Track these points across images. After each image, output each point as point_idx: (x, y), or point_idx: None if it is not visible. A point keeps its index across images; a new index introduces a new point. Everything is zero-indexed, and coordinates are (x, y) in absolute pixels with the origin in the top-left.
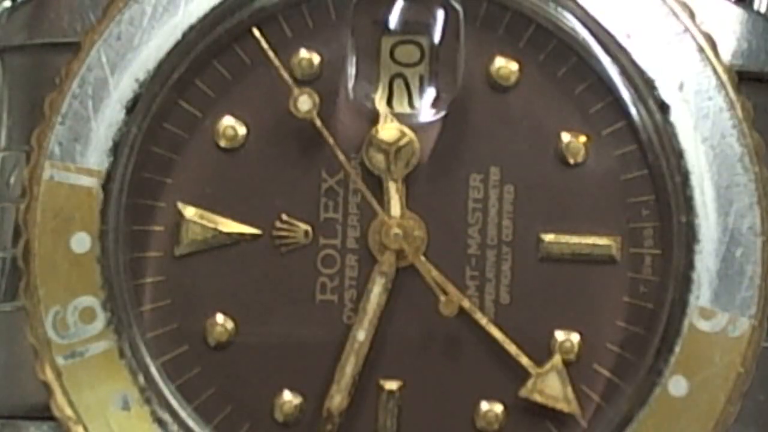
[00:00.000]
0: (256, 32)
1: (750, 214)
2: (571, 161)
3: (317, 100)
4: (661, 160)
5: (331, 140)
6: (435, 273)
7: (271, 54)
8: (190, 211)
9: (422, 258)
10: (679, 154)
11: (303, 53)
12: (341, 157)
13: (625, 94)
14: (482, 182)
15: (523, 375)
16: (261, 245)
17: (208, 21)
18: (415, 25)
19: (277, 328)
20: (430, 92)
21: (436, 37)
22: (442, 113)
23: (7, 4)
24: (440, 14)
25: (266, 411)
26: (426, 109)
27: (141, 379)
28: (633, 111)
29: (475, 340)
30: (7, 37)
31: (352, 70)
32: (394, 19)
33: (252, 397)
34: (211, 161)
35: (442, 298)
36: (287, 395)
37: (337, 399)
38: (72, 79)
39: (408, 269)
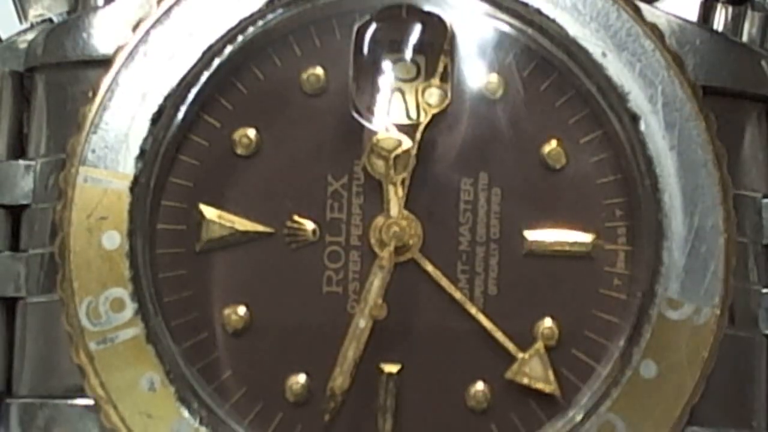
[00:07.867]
0: None
1: (713, 214)
2: (552, 167)
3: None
4: (633, 165)
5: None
6: (430, 267)
7: None
8: (209, 212)
9: (418, 253)
10: (650, 160)
11: (311, 70)
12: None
13: (601, 106)
14: (472, 186)
15: (509, 359)
16: (273, 242)
17: (225, 41)
18: (396, 44)
19: (287, 317)
20: (425, 105)
21: (410, 50)
22: (437, 123)
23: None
24: (417, 28)
25: (278, 391)
26: (422, 120)
27: (166, 362)
28: (608, 122)
29: (466, 328)
30: (45, 55)
31: (355, 85)
32: (375, 39)
33: (265, 379)
34: (229, 167)
35: (379, 301)
36: (296, 377)
37: (339, 380)
38: (103, 93)
39: (406, 264)
